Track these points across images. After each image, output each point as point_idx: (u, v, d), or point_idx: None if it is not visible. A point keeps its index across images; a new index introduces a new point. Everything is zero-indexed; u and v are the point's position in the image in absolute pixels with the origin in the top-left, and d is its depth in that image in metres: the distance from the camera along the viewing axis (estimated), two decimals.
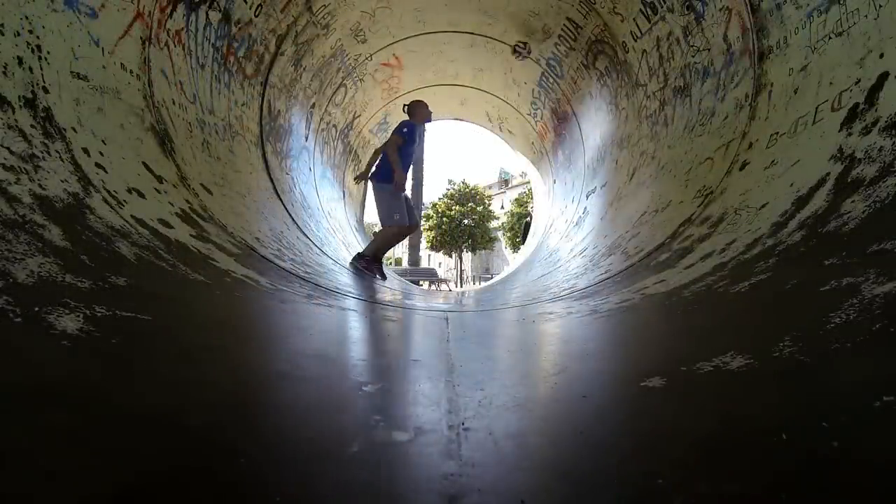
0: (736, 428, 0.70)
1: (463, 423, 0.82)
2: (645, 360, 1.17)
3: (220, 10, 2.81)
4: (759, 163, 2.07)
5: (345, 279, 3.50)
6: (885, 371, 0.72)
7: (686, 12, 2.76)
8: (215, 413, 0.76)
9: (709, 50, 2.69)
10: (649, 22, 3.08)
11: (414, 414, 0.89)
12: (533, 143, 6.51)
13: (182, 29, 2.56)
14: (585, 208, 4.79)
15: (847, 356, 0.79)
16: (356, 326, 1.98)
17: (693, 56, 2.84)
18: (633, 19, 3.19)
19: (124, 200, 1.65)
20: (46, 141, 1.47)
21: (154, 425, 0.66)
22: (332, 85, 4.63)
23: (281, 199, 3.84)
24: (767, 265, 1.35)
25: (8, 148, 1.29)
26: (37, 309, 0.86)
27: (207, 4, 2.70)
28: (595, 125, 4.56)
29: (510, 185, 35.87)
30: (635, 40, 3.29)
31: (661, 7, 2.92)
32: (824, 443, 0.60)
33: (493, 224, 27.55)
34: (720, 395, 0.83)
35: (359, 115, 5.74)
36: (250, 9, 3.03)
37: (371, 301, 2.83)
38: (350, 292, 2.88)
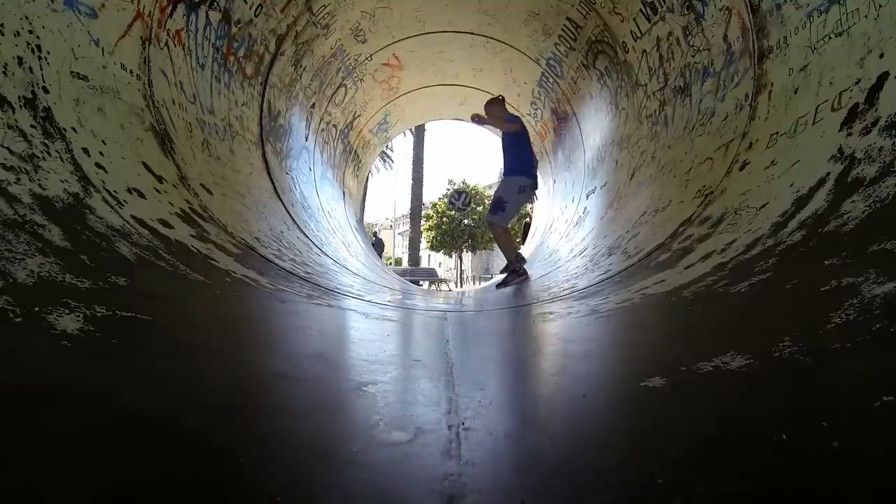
0: (736, 428, 0.70)
1: (463, 423, 0.82)
2: (645, 361, 1.17)
3: (220, 10, 2.81)
4: (759, 163, 2.06)
5: (345, 279, 3.50)
6: (885, 371, 0.72)
7: (686, 12, 2.76)
8: (214, 414, 0.76)
9: (709, 50, 2.69)
10: (649, 22, 3.08)
11: (414, 414, 0.89)
12: (533, 143, 6.50)
13: (182, 29, 2.56)
14: (585, 208, 4.78)
15: (847, 356, 0.79)
16: (356, 326, 1.98)
17: (693, 56, 2.83)
18: (634, 19, 3.19)
19: (124, 200, 1.65)
20: (46, 141, 1.47)
21: (153, 426, 0.66)
22: (332, 85, 4.63)
23: (281, 199, 3.83)
24: (767, 265, 1.35)
25: (8, 148, 1.29)
26: (37, 309, 0.86)
27: (207, 4, 2.70)
28: (595, 125, 4.55)
29: None
30: (635, 40, 3.29)
31: (662, 7, 2.92)
32: (824, 443, 0.60)
33: None
34: (720, 395, 0.83)
35: (359, 115, 5.74)
36: (250, 9, 3.03)
37: (371, 301, 2.83)
38: (350, 292, 2.88)
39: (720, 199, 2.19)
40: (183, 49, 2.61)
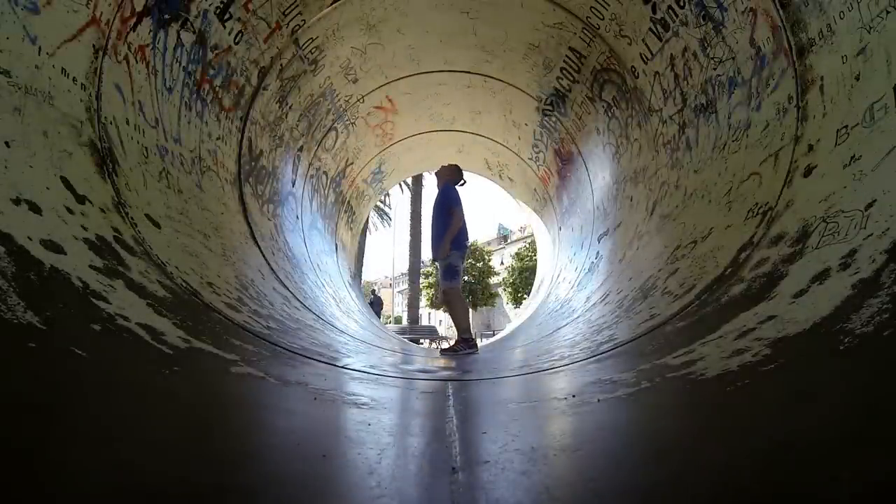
0: None
1: None
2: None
3: (194, 32, 2.57)
4: (831, 163, 1.70)
5: (325, 338, 2.97)
6: None
7: (703, 23, 2.52)
8: None
9: (733, 58, 2.41)
10: (660, 40, 2.85)
11: None
12: (535, 189, 6.24)
13: (147, 45, 2.28)
14: (598, 252, 4.41)
15: None
16: (280, 422, 1.24)
17: (715, 69, 2.56)
18: (643, 40, 2.98)
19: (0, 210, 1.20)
20: None
21: None
22: (321, 128, 4.39)
23: (258, 246, 3.40)
24: None
25: None
26: None
27: (179, 23, 2.45)
28: (604, 163, 4.27)
29: (509, 241, 35.96)
30: (645, 63, 3.06)
31: (674, 22, 2.69)
32: None
33: (494, 280, 27.06)
34: None
35: (351, 163, 5.50)
36: (229, 34, 2.80)
37: (345, 367, 2.29)
38: (322, 354, 2.34)
39: (789, 213, 1.77)
40: (147, 67, 2.31)
